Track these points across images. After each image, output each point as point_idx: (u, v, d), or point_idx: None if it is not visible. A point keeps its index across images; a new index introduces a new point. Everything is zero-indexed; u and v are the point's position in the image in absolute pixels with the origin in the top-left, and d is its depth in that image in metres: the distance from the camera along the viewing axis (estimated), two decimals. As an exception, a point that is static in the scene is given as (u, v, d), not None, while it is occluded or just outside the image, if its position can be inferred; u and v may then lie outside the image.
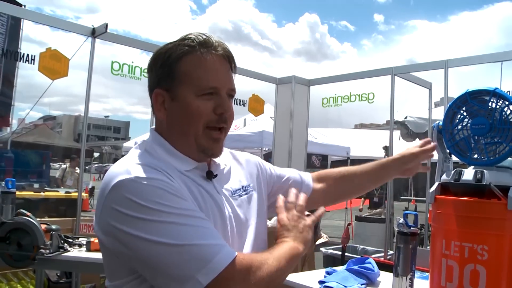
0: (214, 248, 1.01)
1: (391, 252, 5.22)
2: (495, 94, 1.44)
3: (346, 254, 4.70)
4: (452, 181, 1.47)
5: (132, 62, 4.34)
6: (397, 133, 6.82)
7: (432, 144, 1.56)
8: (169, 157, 1.19)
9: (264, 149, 9.37)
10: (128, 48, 4.50)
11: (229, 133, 1.27)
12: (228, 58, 1.23)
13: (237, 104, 5.22)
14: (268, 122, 8.13)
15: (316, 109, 5.75)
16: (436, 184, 1.54)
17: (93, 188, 15.98)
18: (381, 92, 5.02)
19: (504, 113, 1.43)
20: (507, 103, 1.43)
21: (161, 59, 1.20)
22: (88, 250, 2.81)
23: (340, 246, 5.01)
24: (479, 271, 1.36)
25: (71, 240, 2.91)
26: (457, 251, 1.40)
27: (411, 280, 1.66)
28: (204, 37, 1.20)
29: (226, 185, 1.29)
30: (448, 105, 1.56)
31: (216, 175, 1.26)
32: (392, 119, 4.92)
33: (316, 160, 12.12)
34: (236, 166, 1.40)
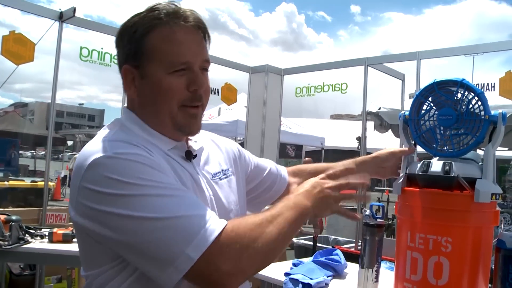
0: (201, 218, 0.94)
1: (362, 242, 5.26)
2: (462, 85, 1.42)
3: (318, 244, 4.71)
4: (420, 173, 1.45)
5: (102, 48, 4.23)
6: (371, 124, 6.86)
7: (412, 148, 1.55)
8: (146, 135, 1.12)
9: (238, 138, 9.34)
10: (101, 34, 4.38)
11: (203, 122, 1.22)
12: (200, 29, 1.15)
13: (209, 93, 5.17)
14: (243, 111, 8.10)
15: (290, 99, 5.75)
16: (403, 175, 1.52)
17: (65, 177, 15.73)
18: (355, 82, 5.04)
19: (470, 104, 1.42)
20: (473, 94, 1.41)
21: (127, 34, 1.13)
22: (51, 241, 2.73)
23: (312, 236, 5.03)
24: (442, 263, 1.35)
25: (33, 231, 2.81)
26: (422, 243, 1.39)
27: (377, 271, 1.65)
28: (173, 6, 1.12)
29: (206, 167, 1.25)
30: (415, 95, 1.54)
31: (196, 155, 1.21)
32: (365, 110, 4.93)
33: (290, 150, 12.15)
34: (215, 149, 1.35)
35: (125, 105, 1.22)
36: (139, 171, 0.96)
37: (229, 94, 5.39)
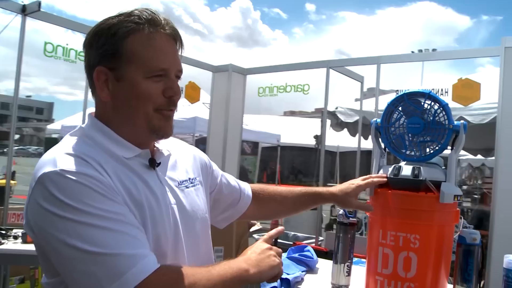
0: (131, 259, 0.93)
1: (322, 238, 5.45)
2: (430, 96, 1.56)
3: (278, 240, 4.82)
4: (392, 176, 1.58)
5: (67, 44, 4.13)
6: (327, 122, 7.05)
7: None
8: (108, 142, 1.13)
9: (196, 135, 9.31)
10: (60, 27, 4.24)
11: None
12: (175, 38, 1.18)
13: (172, 91, 5.16)
14: (201, 108, 8.09)
15: (252, 98, 5.82)
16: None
17: (13, 172, 15.09)
18: (314, 83, 5.18)
19: (436, 114, 1.56)
20: (438, 105, 1.55)
21: (104, 36, 1.11)
22: (24, 242, 2.69)
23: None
24: (411, 258, 1.49)
25: (4, 232, 2.77)
26: (393, 240, 1.52)
27: (349, 267, 1.78)
28: (150, 12, 1.14)
29: (172, 174, 1.25)
30: (386, 104, 1.67)
31: (159, 163, 1.21)
32: (326, 110, 5.10)
33: (247, 147, 12.21)
34: (184, 156, 1.36)
35: (91, 112, 1.21)
36: (84, 195, 0.96)
37: (192, 93, 5.40)
